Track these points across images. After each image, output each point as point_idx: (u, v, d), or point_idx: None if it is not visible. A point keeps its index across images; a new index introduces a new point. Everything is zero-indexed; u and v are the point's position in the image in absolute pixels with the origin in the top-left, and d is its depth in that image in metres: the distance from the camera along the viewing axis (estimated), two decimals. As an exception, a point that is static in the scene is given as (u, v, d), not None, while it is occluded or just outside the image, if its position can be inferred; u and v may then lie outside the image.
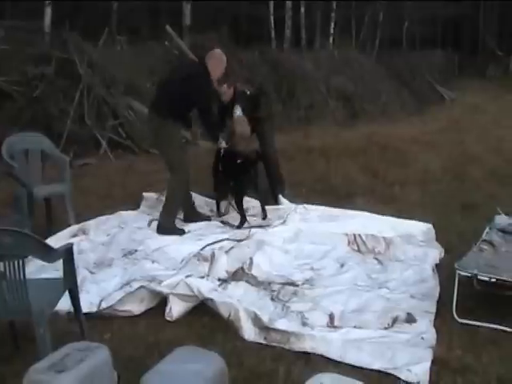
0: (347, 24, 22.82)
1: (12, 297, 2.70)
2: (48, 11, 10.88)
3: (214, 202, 5.40)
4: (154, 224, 4.88)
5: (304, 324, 3.32)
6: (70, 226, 4.92)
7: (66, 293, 3.04)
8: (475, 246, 3.76)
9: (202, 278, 3.82)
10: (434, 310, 3.47)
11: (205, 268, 3.97)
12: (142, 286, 3.60)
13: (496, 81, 22.38)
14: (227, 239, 4.46)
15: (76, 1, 15.90)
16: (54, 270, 3.46)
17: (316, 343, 3.09)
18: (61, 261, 2.97)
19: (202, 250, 4.21)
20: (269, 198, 5.61)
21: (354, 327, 3.29)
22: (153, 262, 4.14)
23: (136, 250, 4.37)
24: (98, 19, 15.01)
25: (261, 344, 3.17)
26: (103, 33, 10.54)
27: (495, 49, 26.24)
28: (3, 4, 14.51)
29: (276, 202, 5.60)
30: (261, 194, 5.35)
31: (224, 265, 4.00)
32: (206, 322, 3.40)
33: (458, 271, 3.36)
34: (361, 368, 2.89)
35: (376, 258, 4.32)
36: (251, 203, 5.35)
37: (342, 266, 4.19)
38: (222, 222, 5.12)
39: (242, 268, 3.96)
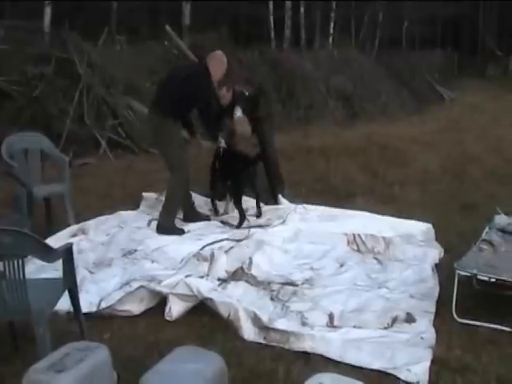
0: (347, 24, 22.86)
1: (11, 296, 2.69)
2: (48, 11, 10.89)
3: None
4: (154, 224, 4.88)
5: (303, 324, 3.32)
6: (69, 225, 4.92)
7: (66, 292, 3.04)
8: (475, 246, 3.75)
9: (202, 277, 3.81)
10: (433, 309, 3.47)
11: (204, 268, 3.97)
12: (141, 286, 3.60)
13: (495, 81, 22.43)
14: (227, 239, 4.46)
15: (76, 1, 15.92)
16: (54, 270, 3.46)
17: (315, 343, 3.08)
18: (60, 261, 2.97)
19: (201, 249, 4.21)
20: (269, 197, 5.62)
21: (354, 327, 3.29)
22: (152, 261, 4.14)
23: (136, 250, 4.37)
24: (97, 19, 15.04)
25: (260, 344, 3.17)
26: (103, 33, 10.56)
27: (495, 49, 26.28)
28: (3, 4, 14.53)
29: (276, 201, 5.61)
30: (257, 191, 5.32)
31: (223, 265, 4.00)
32: (206, 321, 3.40)
33: (457, 271, 3.36)
34: (360, 368, 2.89)
35: (375, 258, 4.32)
36: (250, 203, 5.35)
37: (342, 265, 4.19)
38: (222, 221, 5.12)
39: (241, 268, 3.96)
